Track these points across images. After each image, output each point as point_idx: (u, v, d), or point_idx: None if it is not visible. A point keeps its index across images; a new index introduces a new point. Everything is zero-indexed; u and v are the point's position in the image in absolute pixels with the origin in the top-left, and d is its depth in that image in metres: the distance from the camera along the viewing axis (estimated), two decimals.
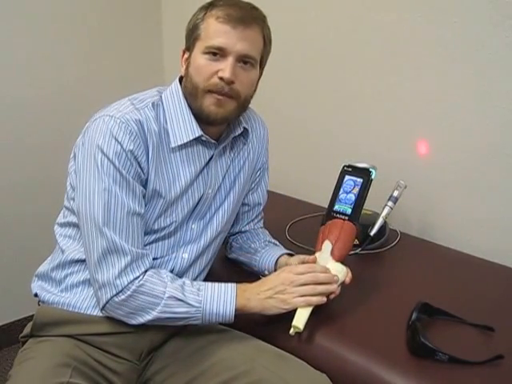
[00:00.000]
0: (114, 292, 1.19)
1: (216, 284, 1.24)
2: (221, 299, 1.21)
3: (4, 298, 2.46)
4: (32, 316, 1.33)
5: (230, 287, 1.24)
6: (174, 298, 1.20)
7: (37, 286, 1.38)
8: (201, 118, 1.27)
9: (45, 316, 1.31)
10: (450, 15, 1.67)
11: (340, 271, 1.27)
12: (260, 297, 1.22)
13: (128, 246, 1.20)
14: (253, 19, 1.23)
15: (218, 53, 1.21)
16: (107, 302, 1.21)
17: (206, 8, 1.25)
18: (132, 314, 1.22)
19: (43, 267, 1.40)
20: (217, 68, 1.21)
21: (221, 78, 1.21)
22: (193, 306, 1.21)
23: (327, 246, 1.31)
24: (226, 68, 1.20)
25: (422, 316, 1.23)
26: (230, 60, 1.21)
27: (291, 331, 1.21)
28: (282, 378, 1.15)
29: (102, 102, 1.30)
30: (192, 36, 1.26)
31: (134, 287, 1.19)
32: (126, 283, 1.19)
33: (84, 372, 1.22)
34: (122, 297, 1.19)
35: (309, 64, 2.16)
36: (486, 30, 1.61)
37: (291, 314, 1.22)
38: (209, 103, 1.24)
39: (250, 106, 1.45)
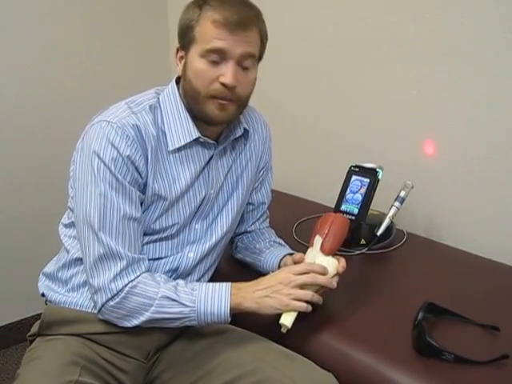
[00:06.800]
0: (109, 295, 1.19)
1: (210, 284, 1.23)
2: (215, 298, 1.19)
3: (11, 296, 2.47)
4: (39, 314, 1.33)
5: (225, 286, 1.22)
6: (168, 298, 1.19)
7: (44, 285, 1.39)
8: (202, 120, 1.28)
9: (52, 315, 1.32)
10: (456, 15, 1.67)
11: (330, 265, 1.25)
12: (256, 295, 1.20)
13: (124, 251, 1.20)
14: (250, 20, 1.20)
15: (217, 56, 1.19)
16: (102, 306, 1.21)
17: (200, 6, 1.21)
18: (127, 316, 1.21)
19: (49, 268, 1.40)
20: (218, 73, 1.20)
21: (223, 84, 1.20)
22: (186, 305, 1.19)
23: (317, 240, 1.30)
24: (227, 73, 1.19)
25: (428, 315, 1.23)
26: (230, 64, 1.19)
27: (282, 329, 1.20)
28: (288, 376, 1.15)
29: (107, 102, 1.30)
30: (186, 36, 1.23)
31: (127, 289, 1.19)
32: (120, 287, 1.19)
33: (92, 370, 1.22)
34: (117, 299, 1.19)
35: (315, 64, 2.16)
36: (492, 30, 1.61)
37: (299, 312, 1.21)
38: (213, 107, 1.23)
39: (254, 106, 1.46)
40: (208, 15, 1.19)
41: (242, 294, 1.21)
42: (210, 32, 1.18)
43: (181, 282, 1.25)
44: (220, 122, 1.27)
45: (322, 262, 1.26)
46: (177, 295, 1.20)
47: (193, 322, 1.21)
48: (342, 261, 1.29)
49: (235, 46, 1.19)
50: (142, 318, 1.20)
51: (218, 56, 1.19)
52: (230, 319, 1.21)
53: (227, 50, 1.19)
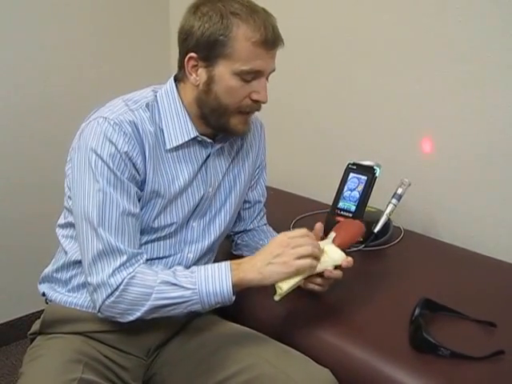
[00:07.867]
0: (109, 291, 1.16)
1: (209, 264, 1.20)
2: (215, 276, 1.16)
3: (12, 293, 2.47)
4: (39, 312, 1.34)
5: (224, 264, 1.18)
6: (167, 282, 1.16)
7: (44, 286, 1.39)
8: (221, 131, 1.30)
9: (53, 314, 1.33)
10: (455, 14, 1.68)
11: (339, 254, 1.25)
12: (257, 265, 1.16)
13: (124, 246, 1.18)
14: (280, 36, 1.22)
15: (252, 75, 1.20)
16: (102, 303, 1.18)
17: (226, 17, 1.17)
18: (128, 309, 1.18)
19: (48, 268, 1.40)
20: (250, 90, 1.21)
21: (255, 101, 1.22)
22: (187, 288, 1.16)
23: (331, 234, 1.31)
24: (261, 91, 1.21)
25: (424, 312, 1.24)
26: (263, 81, 1.22)
27: (276, 297, 1.18)
28: (284, 372, 1.16)
29: (106, 101, 1.29)
30: (214, 50, 1.18)
31: (126, 281, 1.16)
32: (119, 281, 1.16)
33: (95, 368, 1.23)
34: (116, 293, 1.16)
35: (314, 63, 2.17)
36: (491, 29, 1.62)
37: (297, 308, 1.21)
38: (237, 122, 1.25)
39: None
40: (244, 33, 1.17)
41: (242, 268, 1.17)
42: (248, 52, 1.18)
43: (178, 267, 1.24)
44: (241, 134, 1.32)
45: (331, 248, 1.25)
46: (176, 279, 1.17)
47: (196, 305, 1.17)
48: (350, 258, 1.26)
49: (269, 64, 1.22)
50: (144, 309, 1.17)
51: (252, 75, 1.20)
52: (233, 298, 1.17)
53: (264, 70, 1.20)
